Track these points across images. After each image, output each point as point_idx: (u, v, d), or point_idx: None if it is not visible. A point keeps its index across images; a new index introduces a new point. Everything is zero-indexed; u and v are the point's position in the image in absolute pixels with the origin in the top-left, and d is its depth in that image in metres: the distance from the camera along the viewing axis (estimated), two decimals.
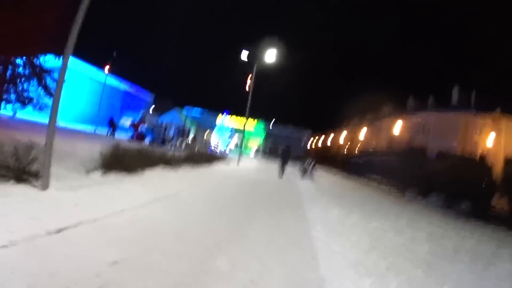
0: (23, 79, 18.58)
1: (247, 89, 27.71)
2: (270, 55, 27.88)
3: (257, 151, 69.76)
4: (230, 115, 62.04)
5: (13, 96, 18.00)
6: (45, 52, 18.28)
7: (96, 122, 37.81)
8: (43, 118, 30.10)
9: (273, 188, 14.82)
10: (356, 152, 48.49)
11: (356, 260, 5.76)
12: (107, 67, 39.16)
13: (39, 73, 19.55)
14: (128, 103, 56.08)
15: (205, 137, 54.31)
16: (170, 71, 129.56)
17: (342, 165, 39.14)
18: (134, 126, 32.26)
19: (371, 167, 31.18)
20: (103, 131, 32.36)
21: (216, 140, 58.89)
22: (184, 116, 45.06)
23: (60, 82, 6.49)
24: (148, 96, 66.84)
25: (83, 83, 47.28)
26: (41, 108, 20.04)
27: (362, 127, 56.46)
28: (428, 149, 25.48)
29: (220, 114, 62.56)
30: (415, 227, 10.08)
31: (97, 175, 8.62)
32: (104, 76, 44.93)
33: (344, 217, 9.32)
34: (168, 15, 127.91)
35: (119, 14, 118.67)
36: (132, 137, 30.36)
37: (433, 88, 68.40)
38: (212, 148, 55.49)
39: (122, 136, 30.18)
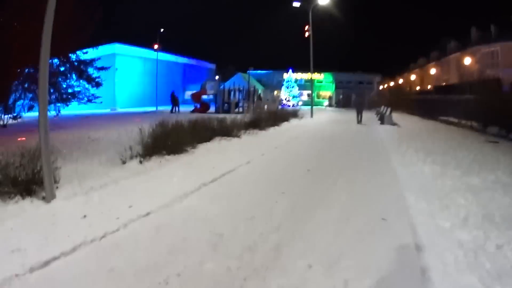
0: (60, 76, 17.67)
1: (306, 35, 24.84)
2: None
3: (330, 102, 66.46)
4: (296, 72, 59.09)
5: (53, 96, 17.17)
6: (75, 48, 17.30)
7: (157, 101, 37.38)
8: (93, 110, 30.12)
9: (352, 140, 12.75)
10: (427, 91, 44.29)
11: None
12: (156, 45, 38.08)
13: (77, 67, 18.56)
14: (189, 76, 55.33)
15: (274, 95, 52.34)
16: (227, 37, 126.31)
17: (415, 106, 35.79)
18: (194, 97, 30.91)
19: (444, 106, 28.19)
20: (167, 108, 31.37)
21: (286, 96, 56.71)
22: (247, 78, 43.07)
23: (41, 78, 4.86)
24: (209, 66, 65.79)
25: (136, 66, 47.23)
26: (90, 100, 19.16)
27: (430, 67, 51.59)
28: (501, 81, 21.85)
29: (285, 72, 59.84)
30: None
31: (134, 163, 7.09)
32: (162, 54, 44.24)
33: (438, 173, 6.92)
34: None
35: None
36: (195, 108, 29.11)
37: (494, 17, 59.54)
38: (284, 104, 53.69)
39: (187, 110, 29.24)
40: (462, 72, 38.55)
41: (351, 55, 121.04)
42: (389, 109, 22.27)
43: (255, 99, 31.09)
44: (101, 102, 20.19)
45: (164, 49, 44.01)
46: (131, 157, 7.34)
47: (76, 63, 18.61)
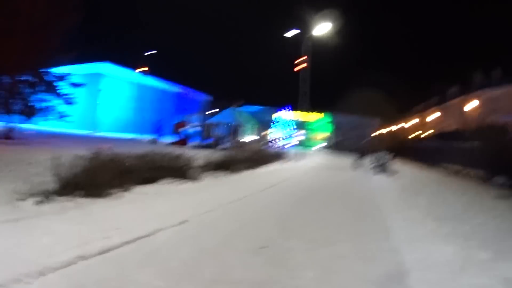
0: (26, 89, 16.11)
1: (295, 69, 23.24)
2: (322, 29, 22.82)
3: (325, 144, 65.00)
4: (292, 110, 57.39)
5: (16, 107, 15.62)
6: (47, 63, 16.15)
7: (144, 128, 35.68)
8: (69, 129, 28.22)
9: (340, 194, 10.71)
10: (426, 137, 43.09)
11: None
12: (145, 68, 36.77)
13: (47, 81, 16.87)
14: (182, 106, 53.70)
15: (261, 134, 50.77)
16: (223, 70, 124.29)
17: (415, 152, 34.47)
18: (175, 128, 28.83)
19: (445, 153, 27.04)
20: (151, 137, 29.38)
21: (278, 136, 55.12)
22: (238, 113, 41.64)
23: None
24: (205, 97, 64.31)
25: (123, 89, 45.41)
26: (61, 117, 17.41)
27: (430, 112, 50.70)
28: (508, 127, 20.58)
29: (281, 110, 58.42)
30: None
31: (29, 203, 5.30)
32: (152, 80, 42.93)
33: (459, 258, 4.73)
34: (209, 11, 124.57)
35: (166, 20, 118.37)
36: (177, 140, 27.18)
37: (498, 61, 59.21)
38: (273, 144, 51.79)
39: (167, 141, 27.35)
40: (464, 117, 37.44)
41: (351, 94, 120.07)
42: (388, 156, 20.46)
43: (239, 137, 29.12)
44: (73, 122, 18.57)
45: (157, 75, 42.83)
46: (37, 194, 5.55)
47: (45, 77, 16.90)
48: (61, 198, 5.80)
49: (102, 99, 42.71)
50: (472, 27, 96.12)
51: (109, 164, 7.03)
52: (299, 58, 23.25)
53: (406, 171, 20.10)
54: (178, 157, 9.48)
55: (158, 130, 27.61)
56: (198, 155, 11.74)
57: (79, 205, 5.74)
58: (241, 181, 11.08)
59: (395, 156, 20.30)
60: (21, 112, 15.96)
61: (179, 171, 8.87)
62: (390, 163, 18.79)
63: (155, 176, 8.02)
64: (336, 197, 10.00)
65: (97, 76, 43.29)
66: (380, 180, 15.62)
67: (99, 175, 6.45)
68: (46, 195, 5.70)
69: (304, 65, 23.12)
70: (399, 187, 12.66)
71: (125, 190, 6.79)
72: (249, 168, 13.95)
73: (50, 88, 16.81)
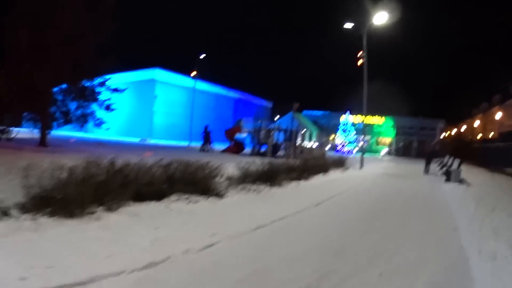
0: (63, 95, 15.74)
1: (358, 64, 20.69)
2: (381, 19, 19.95)
3: (389, 149, 61.14)
4: (353, 114, 54.20)
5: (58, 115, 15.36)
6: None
7: (191, 135, 34.72)
8: (103, 135, 27.73)
9: (404, 212, 8.70)
10: (492, 138, 38.32)
11: None
12: (194, 73, 35.89)
13: (85, 87, 16.23)
14: (241, 113, 52.18)
15: (323, 139, 48.27)
16: (284, 74, 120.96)
17: (480, 156, 30.82)
18: (227, 134, 26.98)
19: None
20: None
21: (342, 141, 52.43)
22: (297, 118, 39.45)
23: None
24: (265, 103, 62.99)
25: (177, 95, 44.93)
26: (99, 125, 16.69)
27: (494, 111, 45.24)
28: None
29: (343, 114, 55.50)
30: None
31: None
32: (207, 86, 42.10)
33: None
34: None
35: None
36: (227, 147, 25.62)
37: None
38: (339, 149, 49.03)
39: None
40: None
41: (413, 97, 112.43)
42: (457, 162, 18.14)
43: (298, 144, 26.78)
44: (108, 128, 17.87)
45: (213, 81, 41.98)
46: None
47: (82, 85, 16.31)
48: (25, 216, 4.49)
49: (157, 105, 42.43)
50: None
51: (95, 176, 5.46)
52: (359, 53, 20.73)
53: (474, 178, 17.44)
54: (202, 166, 7.69)
55: (204, 136, 26.06)
56: (242, 164, 9.95)
57: (37, 227, 4.29)
58: (286, 196, 8.98)
59: (461, 161, 17.85)
60: (59, 119, 15.48)
61: (200, 184, 7.07)
62: (459, 171, 16.40)
63: (164, 190, 6.32)
64: (402, 217, 8.05)
65: (151, 82, 43.08)
66: (450, 191, 13.35)
67: (76, 189, 4.90)
68: (5, 211, 4.39)
69: (363, 60, 20.57)
70: (474, 202, 10.16)
71: (110, 210, 5.15)
72: (303, 177, 11.95)
73: (89, 95, 16.13)
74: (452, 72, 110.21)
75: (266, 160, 12.54)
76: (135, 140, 34.31)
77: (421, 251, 5.23)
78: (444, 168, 18.87)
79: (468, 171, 20.45)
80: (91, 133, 19.83)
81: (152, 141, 35.74)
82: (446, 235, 6.59)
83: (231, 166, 10.01)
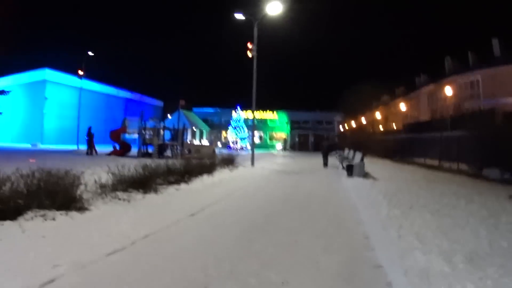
0: None
1: (249, 55, 20.64)
2: (275, 9, 19.39)
3: (284, 144, 63.14)
4: (246, 110, 55.21)
5: None
6: None
7: (78, 139, 33.07)
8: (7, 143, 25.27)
9: (298, 215, 7.97)
10: (396, 130, 41.51)
11: None
12: (81, 72, 34.09)
13: None
14: (132, 113, 50.48)
15: (213, 137, 48.81)
16: (174, 73, 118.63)
17: (383, 148, 33.04)
18: (112, 135, 25.80)
19: (419, 146, 25.77)
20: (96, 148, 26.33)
21: (233, 138, 53.36)
22: (185, 117, 39.14)
23: None
24: (156, 102, 61.63)
25: (69, 96, 42.23)
26: None
27: (397, 103, 48.62)
28: (496, 111, 18.87)
29: (234, 111, 56.49)
30: None
31: None
32: (98, 86, 40.01)
33: None
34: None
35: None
36: (113, 150, 24.61)
37: (468, 45, 58.17)
38: (231, 147, 49.84)
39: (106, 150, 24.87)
40: (436, 106, 36.05)
41: (307, 90, 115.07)
42: (359, 154, 17.37)
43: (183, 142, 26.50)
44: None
45: (104, 81, 40.16)
46: None
47: None
48: None
49: (48, 108, 40.21)
50: (438, 12, 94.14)
51: None
52: (249, 44, 20.66)
53: (379, 170, 17.63)
54: (67, 175, 7.18)
55: (88, 140, 24.96)
56: (119, 168, 9.43)
57: None
58: (160, 205, 8.31)
59: (364, 153, 17.79)
60: None
61: (59, 196, 6.43)
62: (362, 164, 15.75)
63: (20, 206, 5.80)
64: (296, 222, 7.17)
65: (41, 83, 40.99)
66: (353, 187, 12.67)
67: None
68: None
69: (252, 52, 20.60)
70: (380, 197, 9.36)
71: None
72: (185, 180, 11.65)
73: None
74: (351, 65, 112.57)
75: (149, 161, 12.11)
76: (27, 146, 32.85)
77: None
78: (345, 162, 17.88)
79: (372, 163, 20.81)
80: None
81: (43, 146, 34.13)
82: (356, 249, 5.35)
83: (104, 172, 9.49)
